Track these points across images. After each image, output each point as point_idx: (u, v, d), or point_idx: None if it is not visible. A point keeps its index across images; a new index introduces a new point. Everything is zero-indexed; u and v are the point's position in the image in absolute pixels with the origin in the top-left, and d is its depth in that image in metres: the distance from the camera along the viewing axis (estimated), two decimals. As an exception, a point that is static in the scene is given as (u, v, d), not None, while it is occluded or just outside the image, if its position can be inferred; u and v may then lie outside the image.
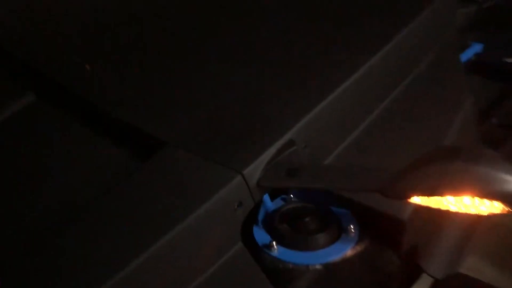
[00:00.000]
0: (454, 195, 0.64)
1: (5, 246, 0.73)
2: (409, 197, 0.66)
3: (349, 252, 0.77)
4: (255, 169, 0.75)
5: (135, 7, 1.23)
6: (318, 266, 0.75)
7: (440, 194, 0.64)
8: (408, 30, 1.00)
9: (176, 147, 0.78)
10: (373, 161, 0.85)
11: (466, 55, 1.54)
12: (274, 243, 0.77)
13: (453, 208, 0.66)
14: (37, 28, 1.17)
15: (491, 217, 0.67)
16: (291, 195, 0.85)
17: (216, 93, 0.91)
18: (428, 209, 0.77)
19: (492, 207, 0.65)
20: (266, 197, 0.82)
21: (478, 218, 1.09)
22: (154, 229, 0.69)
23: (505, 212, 0.64)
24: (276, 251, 0.77)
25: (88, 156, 0.85)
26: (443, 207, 0.67)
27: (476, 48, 1.60)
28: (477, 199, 0.64)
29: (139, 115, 0.87)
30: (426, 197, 0.65)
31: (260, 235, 0.79)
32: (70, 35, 1.14)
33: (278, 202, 0.85)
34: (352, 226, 0.79)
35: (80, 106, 0.93)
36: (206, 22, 1.14)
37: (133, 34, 1.13)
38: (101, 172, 0.81)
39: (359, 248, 0.78)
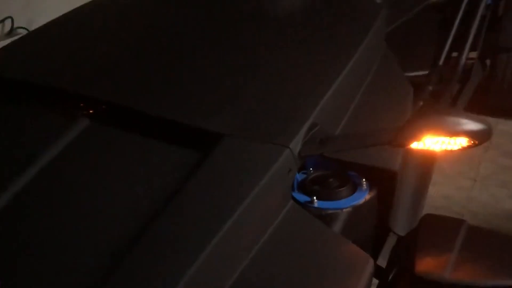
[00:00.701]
0: (437, 136, 0.97)
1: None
2: (410, 143, 0.98)
3: (366, 197, 1.07)
4: (296, 144, 1.02)
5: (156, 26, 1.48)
6: (349, 209, 1.04)
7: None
8: (368, 38, 1.38)
9: (232, 136, 1.03)
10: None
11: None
12: (314, 198, 1.04)
13: (437, 147, 0.99)
14: (71, 60, 1.35)
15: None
16: (310, 168, 1.13)
17: (247, 92, 1.18)
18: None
19: (461, 142, 0.99)
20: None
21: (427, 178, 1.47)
22: (235, 197, 0.92)
23: (470, 144, 0.98)
24: (316, 204, 1.04)
25: (159, 159, 1.05)
26: (431, 148, 0.99)
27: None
28: (452, 138, 0.97)
29: (192, 116, 1.10)
30: (419, 141, 0.98)
31: (299, 196, 1.06)
32: (106, 61, 1.33)
33: (301, 176, 1.13)
34: (364, 181, 1.09)
35: (135, 119, 1.13)
36: (220, 37, 1.42)
37: (163, 50, 1.37)
38: (174, 167, 1.02)
39: (372, 194, 1.08)
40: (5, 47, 1.48)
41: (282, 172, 1.00)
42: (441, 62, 2.10)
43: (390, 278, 1.17)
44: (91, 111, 1.15)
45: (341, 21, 1.49)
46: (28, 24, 2.71)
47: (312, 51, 1.33)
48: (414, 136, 0.96)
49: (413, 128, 0.96)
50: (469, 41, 2.20)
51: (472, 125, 0.96)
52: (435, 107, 1.31)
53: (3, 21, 2.62)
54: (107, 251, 0.87)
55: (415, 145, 0.98)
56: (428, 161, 1.46)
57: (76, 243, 0.91)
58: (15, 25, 2.65)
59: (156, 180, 1.01)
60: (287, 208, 1.00)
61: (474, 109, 2.18)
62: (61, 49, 1.42)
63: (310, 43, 1.36)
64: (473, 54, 2.50)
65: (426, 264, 1.00)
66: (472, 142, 0.98)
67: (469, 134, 0.96)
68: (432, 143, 0.98)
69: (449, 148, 1.00)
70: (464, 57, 2.16)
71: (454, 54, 2.23)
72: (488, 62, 2.76)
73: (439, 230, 1.13)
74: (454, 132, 0.96)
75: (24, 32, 2.67)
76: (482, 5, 2.25)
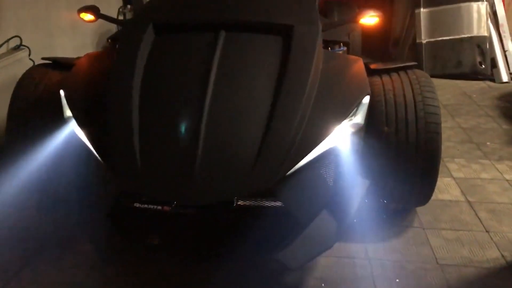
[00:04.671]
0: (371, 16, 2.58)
1: None
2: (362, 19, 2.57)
3: (345, 50, 2.62)
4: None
5: None
6: (341, 51, 2.58)
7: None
8: None
9: (299, 26, 2.39)
10: None
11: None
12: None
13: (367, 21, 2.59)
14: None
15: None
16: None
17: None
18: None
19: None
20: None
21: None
22: (311, 55, 2.37)
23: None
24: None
25: (271, 44, 2.26)
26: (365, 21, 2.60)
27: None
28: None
29: (278, 18, 2.37)
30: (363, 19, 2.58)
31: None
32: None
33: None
34: (342, 44, 2.64)
35: (245, 26, 2.31)
36: None
37: None
38: (277, 46, 2.27)
39: (345, 49, 2.64)
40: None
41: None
42: None
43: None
44: (224, 27, 2.38)
45: None
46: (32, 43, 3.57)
47: None
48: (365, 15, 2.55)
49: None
50: None
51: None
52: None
53: (9, 39, 3.47)
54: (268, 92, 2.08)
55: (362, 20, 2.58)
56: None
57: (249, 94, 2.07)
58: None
59: (270, 55, 2.22)
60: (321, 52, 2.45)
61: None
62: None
63: None
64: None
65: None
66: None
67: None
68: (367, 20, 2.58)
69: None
70: None
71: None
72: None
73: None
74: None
75: (26, 49, 3.52)
76: None
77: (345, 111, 2.08)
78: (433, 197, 2.63)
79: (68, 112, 2.19)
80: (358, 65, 2.35)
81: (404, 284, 2.17)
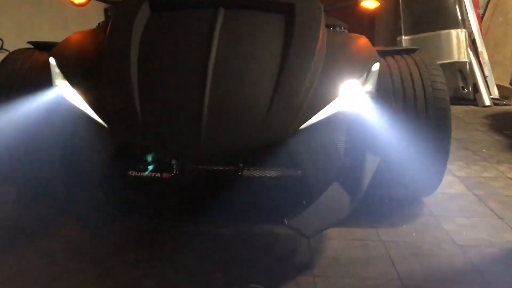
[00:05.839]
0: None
1: None
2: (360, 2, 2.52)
3: (346, 31, 2.56)
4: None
5: None
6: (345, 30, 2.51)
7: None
8: None
9: (299, 4, 2.32)
10: None
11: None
12: (331, 28, 2.48)
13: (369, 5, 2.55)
14: None
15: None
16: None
17: None
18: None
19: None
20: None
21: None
22: (316, 34, 2.29)
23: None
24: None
25: (270, 20, 2.20)
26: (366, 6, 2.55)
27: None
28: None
29: None
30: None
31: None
32: None
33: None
34: (342, 27, 2.58)
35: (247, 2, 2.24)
36: None
37: None
38: (280, 22, 2.22)
39: (346, 30, 2.58)
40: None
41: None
42: None
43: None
44: (223, 4, 2.29)
45: None
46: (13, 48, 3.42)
47: None
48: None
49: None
50: None
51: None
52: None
53: (-11, 41, 3.32)
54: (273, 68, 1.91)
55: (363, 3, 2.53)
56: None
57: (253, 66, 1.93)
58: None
59: (273, 27, 2.13)
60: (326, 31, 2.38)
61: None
62: None
63: None
64: None
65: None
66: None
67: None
68: (368, 4, 2.54)
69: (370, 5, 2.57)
70: None
71: None
72: None
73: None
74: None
75: (6, 52, 3.37)
76: None
77: (355, 74, 1.98)
78: (438, 190, 2.50)
79: (57, 81, 2.03)
80: (364, 39, 2.28)
81: (425, 262, 1.99)
